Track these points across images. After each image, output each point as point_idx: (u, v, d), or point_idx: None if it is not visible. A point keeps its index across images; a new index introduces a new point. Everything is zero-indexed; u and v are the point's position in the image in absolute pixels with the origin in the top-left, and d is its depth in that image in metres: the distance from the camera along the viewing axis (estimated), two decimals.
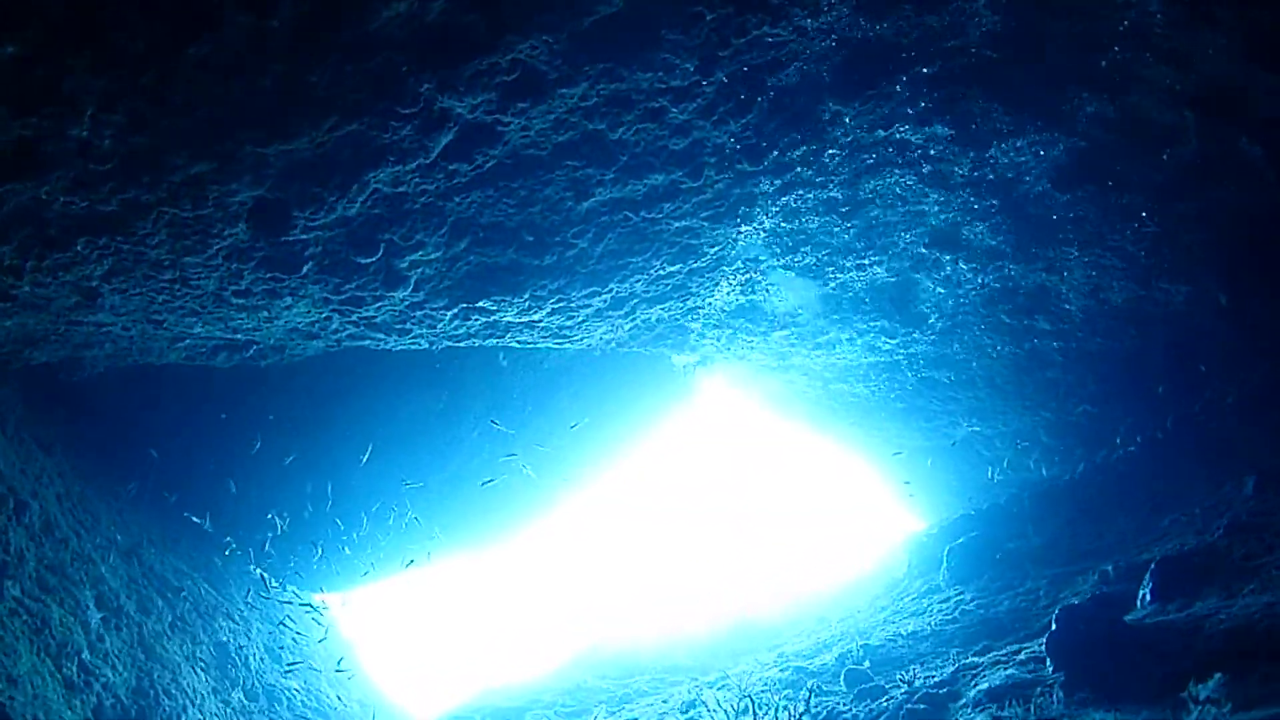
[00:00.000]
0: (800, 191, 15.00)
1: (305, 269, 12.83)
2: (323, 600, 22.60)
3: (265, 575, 21.40)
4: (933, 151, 15.15)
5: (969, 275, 17.75)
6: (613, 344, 18.57)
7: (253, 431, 19.75)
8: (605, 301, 15.89)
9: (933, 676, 12.82)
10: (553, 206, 13.20)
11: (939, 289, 18.06)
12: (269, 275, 12.88)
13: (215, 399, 19.36)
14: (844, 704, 12.73)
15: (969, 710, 11.05)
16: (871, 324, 18.73)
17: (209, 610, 19.58)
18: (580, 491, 24.99)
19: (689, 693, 16.52)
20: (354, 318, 14.63)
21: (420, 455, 21.08)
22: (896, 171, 15.36)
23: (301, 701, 20.26)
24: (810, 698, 13.25)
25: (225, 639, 19.36)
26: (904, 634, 15.69)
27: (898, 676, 13.34)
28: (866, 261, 17.13)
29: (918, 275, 17.76)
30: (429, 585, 34.34)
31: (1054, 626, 11.41)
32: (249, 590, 20.95)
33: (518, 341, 16.95)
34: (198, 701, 17.77)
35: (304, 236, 12.22)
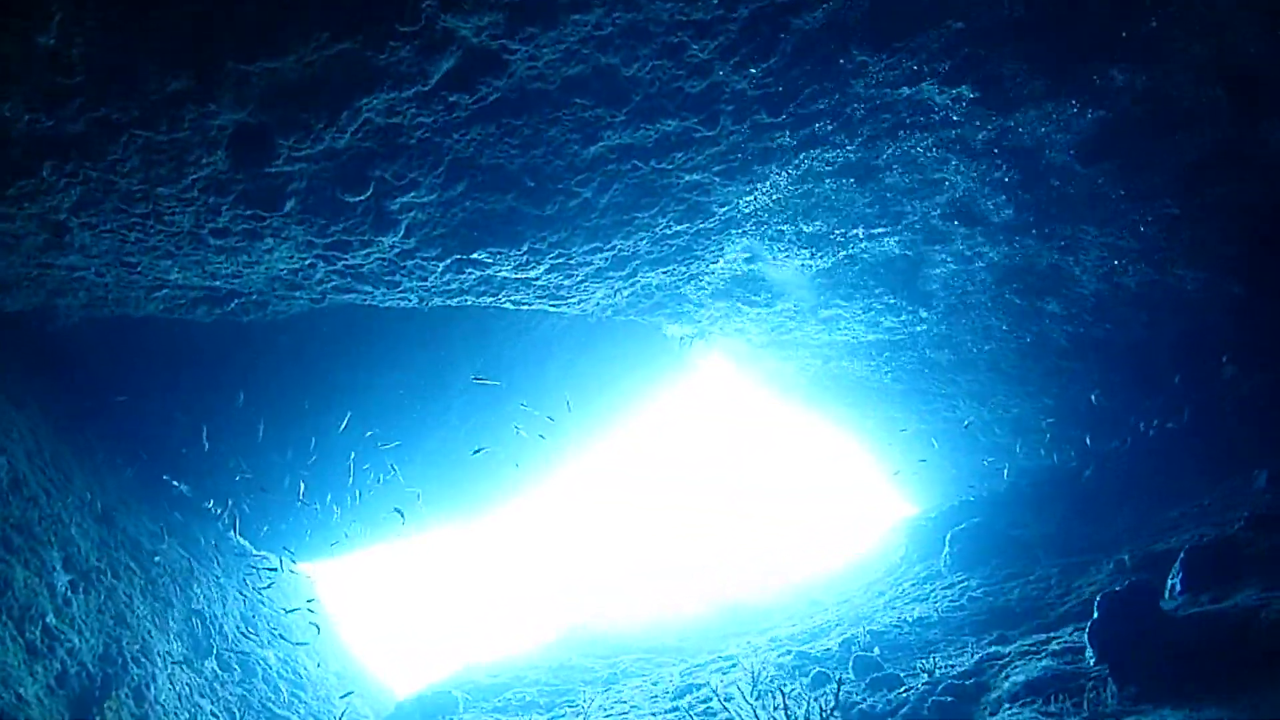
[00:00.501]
0: (817, 150, 13.61)
1: (288, 206, 11.38)
2: (303, 569, 21.11)
3: (244, 542, 19.95)
4: (956, 114, 13.80)
5: (983, 251, 16.42)
6: (609, 311, 17.16)
7: (235, 393, 18.27)
8: (606, 260, 14.45)
9: (953, 666, 11.52)
10: (557, 150, 11.76)
11: (950, 264, 16.72)
12: (249, 213, 11.44)
13: (196, 358, 17.84)
14: (857, 693, 11.37)
15: (1008, 705, 9.73)
16: (877, 300, 17.38)
17: (184, 576, 18.10)
18: (569, 465, 23.54)
19: (681, 676, 15.15)
20: (339, 266, 13.18)
21: (406, 422, 19.61)
22: (917, 134, 14.01)
23: (278, 672, 18.82)
24: (817, 685, 11.92)
25: (200, 606, 17.89)
26: (910, 620, 14.42)
27: (916, 665, 12.04)
28: (878, 231, 15.77)
29: (929, 249, 16.42)
30: (412, 557, 32.82)
31: (1096, 615, 10.10)
32: (226, 557, 19.47)
33: (512, 301, 15.50)
34: (168, 670, 16.31)
35: (287, 169, 10.79)
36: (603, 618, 20.72)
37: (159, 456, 18.47)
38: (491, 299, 15.18)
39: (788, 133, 13.05)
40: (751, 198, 14.15)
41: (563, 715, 15.31)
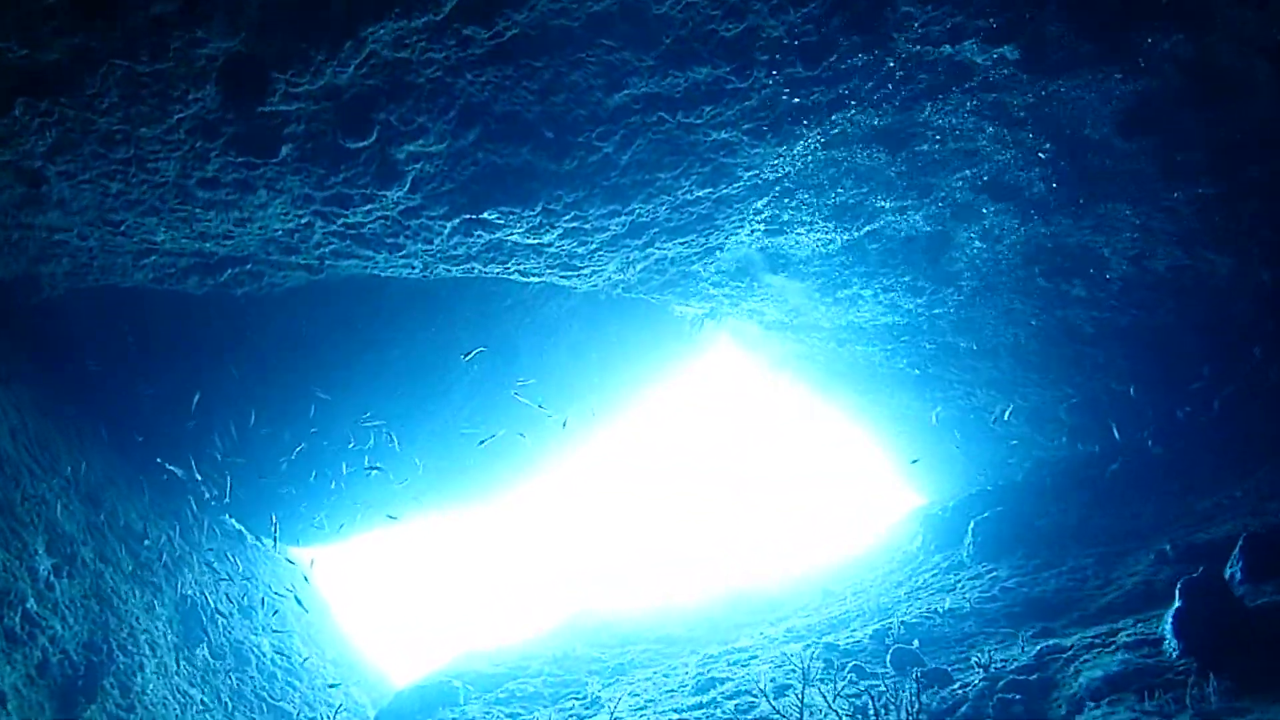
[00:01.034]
0: (851, 111, 12.26)
1: (284, 152, 9.96)
2: (299, 554, 19.64)
3: (238, 525, 18.49)
4: (996, 77, 12.49)
5: (1011, 228, 15.08)
6: (620, 288, 15.75)
7: (229, 372, 16.81)
8: (623, 225, 13.00)
9: (1010, 661, 10.12)
10: (579, 97, 10.33)
11: (977, 243, 15.37)
12: (240, 160, 10.01)
13: (189, 335, 16.37)
14: (903, 690, 9.97)
15: (1091, 704, 8.38)
16: (899, 279, 16.00)
17: (175, 561, 16.64)
18: (573, 450, 22.09)
19: (698, 668, 13.74)
20: (339, 225, 11.75)
21: (406, 404, 18.13)
22: (955, 98, 12.70)
23: (272, 660, 17.37)
24: (849, 680, 10.54)
25: (191, 592, 16.43)
26: (940, 611, 13.04)
27: (958, 659, 10.66)
28: (906, 204, 14.42)
29: (957, 226, 15.07)
30: (411, 543, 31.30)
31: (1180, 603, 8.77)
32: (220, 541, 18.01)
33: (520, 271, 14.05)
34: (157, 658, 14.87)
35: (284, 108, 9.36)
36: (607, 605, 19.32)
37: (150, 437, 16.99)
38: (500, 268, 13.73)
39: (823, 89, 11.70)
40: (779, 161, 12.77)
41: (570, 707, 13.91)
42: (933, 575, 15.53)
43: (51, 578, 13.73)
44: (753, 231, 14.46)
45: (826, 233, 14.80)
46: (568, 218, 12.25)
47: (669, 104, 10.79)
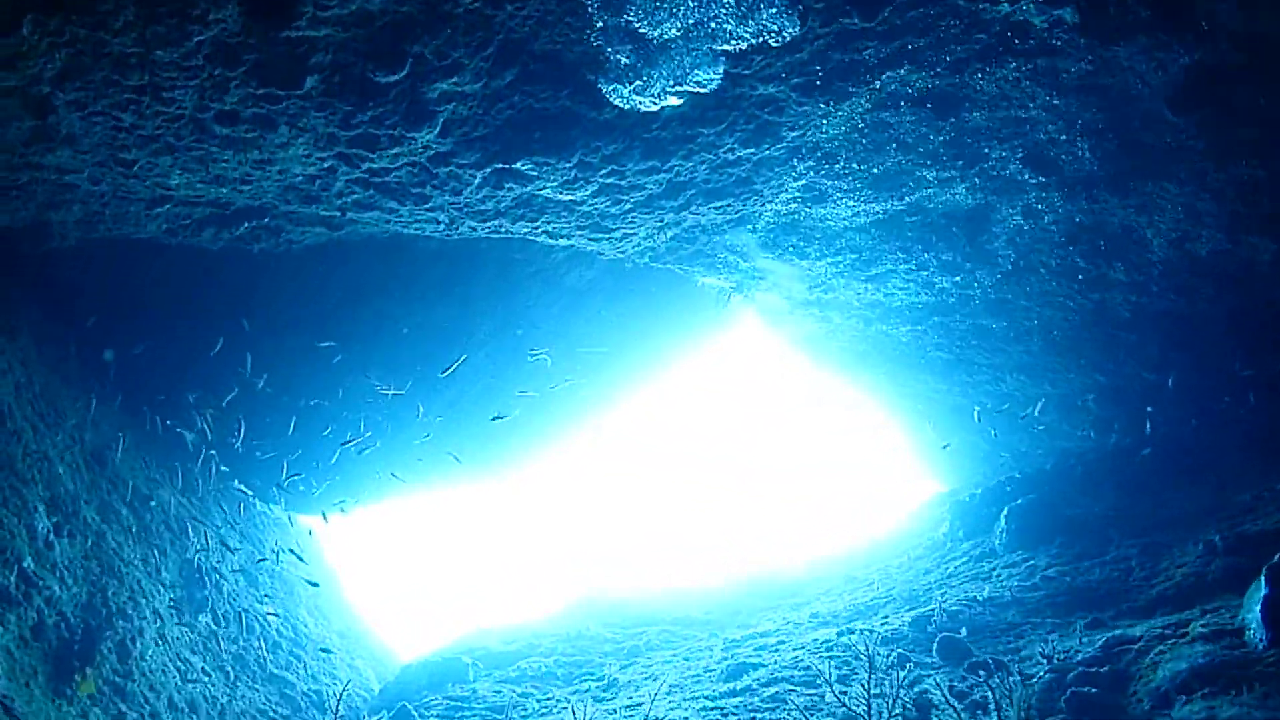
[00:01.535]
0: (903, 70, 11.33)
1: (308, 85, 8.99)
2: (307, 522, 18.71)
3: (246, 490, 17.57)
4: (1051, 40, 11.55)
5: (1054, 205, 14.14)
6: (647, 256, 14.82)
7: (243, 332, 15.88)
8: (660, 184, 12.01)
9: (1074, 652, 9.23)
10: None
11: (1017, 219, 14.44)
12: (262, 91, 9.04)
13: (204, 293, 15.45)
14: (956, 680, 9.09)
15: (1183, 697, 7.52)
16: (935, 256, 15.06)
17: (180, 525, 15.73)
18: (592, 424, 21.13)
19: (723, 652, 12.83)
20: (363, 170, 10.77)
21: (422, 371, 17.17)
22: (1009, 61, 11.75)
23: (277, 630, 16.47)
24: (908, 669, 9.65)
25: (196, 557, 15.52)
26: (979, 599, 12.16)
27: (1022, 651, 9.80)
28: (950, 175, 13.48)
29: (999, 200, 14.14)
30: (420, 517, 30.33)
31: (1266, 590, 7.90)
32: (228, 507, 17.11)
33: (548, 231, 13.09)
34: (158, 623, 13.96)
35: (311, 34, 8.41)
36: (620, 586, 18.44)
37: (159, 397, 16.07)
38: (528, 226, 12.78)
39: (876, 44, 10.76)
40: (825, 122, 11.83)
41: (586, 688, 13.04)
42: (963, 562, 14.65)
43: (51, 536, 12.83)
44: (790, 199, 13.52)
45: (865, 203, 13.86)
46: (604, 172, 11.28)
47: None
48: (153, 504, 15.23)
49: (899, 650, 10.55)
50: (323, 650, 17.00)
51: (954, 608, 11.88)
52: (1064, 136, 13.17)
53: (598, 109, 10.17)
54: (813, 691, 9.56)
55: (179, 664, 13.94)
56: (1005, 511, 14.72)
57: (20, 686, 11.10)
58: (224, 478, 16.96)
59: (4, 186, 11.93)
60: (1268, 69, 11.92)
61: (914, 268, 15.34)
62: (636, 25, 9.16)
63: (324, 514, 17.93)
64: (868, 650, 9.36)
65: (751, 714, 9.58)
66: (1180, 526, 13.29)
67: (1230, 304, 15.50)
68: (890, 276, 15.66)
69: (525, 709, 12.58)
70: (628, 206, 12.43)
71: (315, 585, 17.97)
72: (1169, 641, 8.73)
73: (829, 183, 13.20)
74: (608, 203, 12.25)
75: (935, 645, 10.42)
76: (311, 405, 16.86)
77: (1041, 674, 8.81)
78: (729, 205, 13.23)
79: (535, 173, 10.98)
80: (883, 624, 12.09)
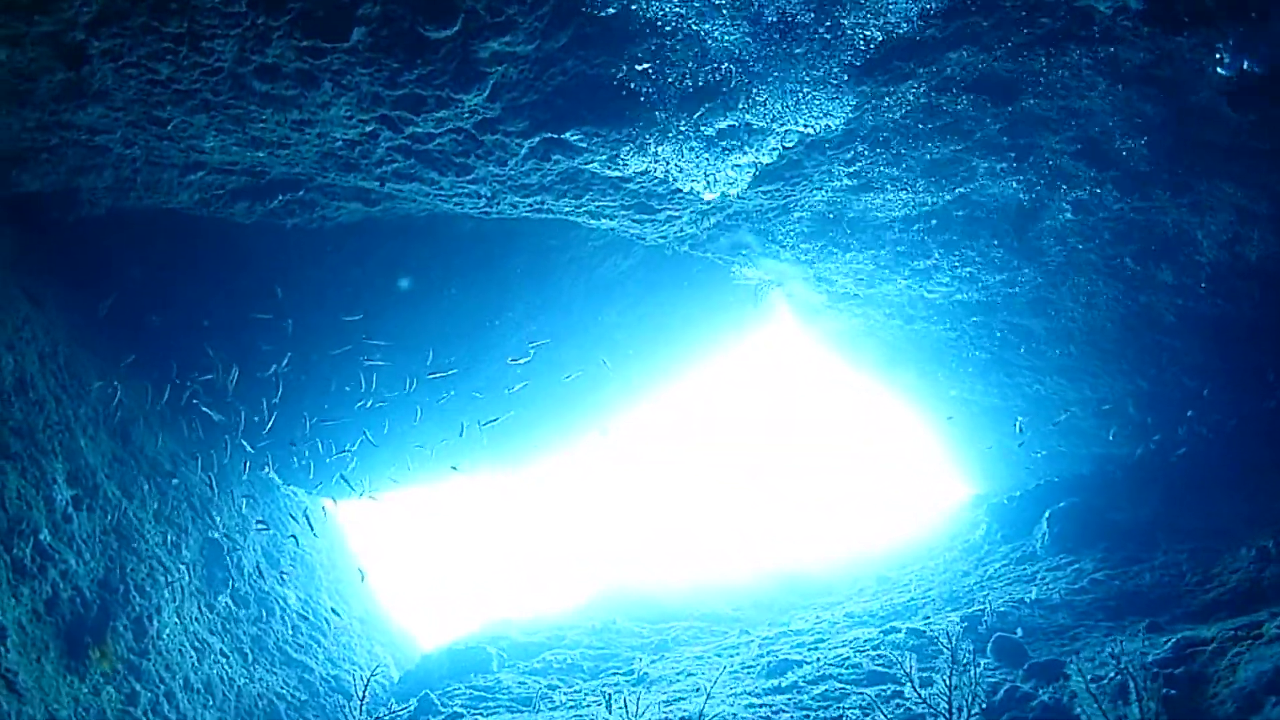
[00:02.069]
0: (965, 50, 10.55)
1: (355, 38, 8.22)
2: (330, 506, 17.92)
3: (272, 473, 16.79)
4: (1115, 28, 10.79)
5: (1107, 202, 13.33)
6: (687, 244, 14.03)
7: (274, 311, 15.12)
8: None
9: (1143, 653, 8.42)
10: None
11: (1068, 215, 13.60)
12: (306, 43, 8.28)
13: (235, 268, 14.71)
14: (1017, 682, 8.27)
15: (1272, 699, 6.74)
16: (982, 251, 14.22)
17: (203, 503, 14.95)
18: (621, 417, 20.26)
19: (759, 649, 12.00)
20: (406, 135, 9.99)
21: (453, 358, 16.36)
22: (1071, 48, 11.00)
23: (298, 613, 15.68)
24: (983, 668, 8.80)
25: (218, 536, 14.74)
26: (1027, 601, 11.32)
27: (1082, 653, 8.96)
28: (1003, 167, 12.66)
29: (1051, 195, 13.31)
30: (443, 506, 29.42)
31: None
32: (252, 487, 16.31)
33: (591, 210, 12.28)
34: (176, 602, 13.18)
35: None
36: (645, 579, 17.62)
37: (187, 373, 15.29)
38: (572, 204, 11.99)
39: (940, 23, 10.00)
40: (882, 104, 11.02)
41: (615, 682, 12.22)
42: (1003, 565, 13.83)
43: (70, 509, 12.07)
44: (840, 186, 12.71)
45: (915, 193, 13.04)
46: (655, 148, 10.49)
47: (774, 26, 9.03)
48: (175, 481, 14.46)
49: (951, 650, 9.71)
50: (343, 635, 16.21)
51: (1002, 609, 11.06)
52: (1121, 129, 12.39)
53: (653, 81, 9.37)
54: (867, 690, 8.75)
55: (196, 644, 13.17)
56: (1047, 515, 13.94)
57: (31, 662, 10.35)
58: (249, 458, 16.18)
59: (34, 149, 11.25)
60: None
61: (959, 263, 14.50)
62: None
63: (334, 498, 17.20)
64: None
65: (805, 713, 8.76)
66: (1228, 533, 12.67)
67: (1278, 310, 14.68)
68: (933, 272, 14.82)
69: (553, 701, 11.78)
70: (675, 186, 11.61)
71: (362, 575, 17.24)
72: (1244, 643, 8.00)
73: (881, 169, 12.39)
74: (655, 181, 11.44)
75: (990, 646, 9.60)
76: (341, 387, 16.08)
77: (1111, 675, 7.99)
78: (778, 190, 12.45)
79: (585, 144, 10.19)
80: (926, 623, 11.27)
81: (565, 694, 12.15)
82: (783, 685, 9.82)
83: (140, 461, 14.17)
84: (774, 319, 19.01)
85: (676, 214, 12.67)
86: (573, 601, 16.98)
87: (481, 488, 21.87)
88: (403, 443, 17.04)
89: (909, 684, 8.23)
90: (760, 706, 9.14)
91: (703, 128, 10.12)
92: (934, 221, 13.76)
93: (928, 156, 12.24)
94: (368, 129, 9.80)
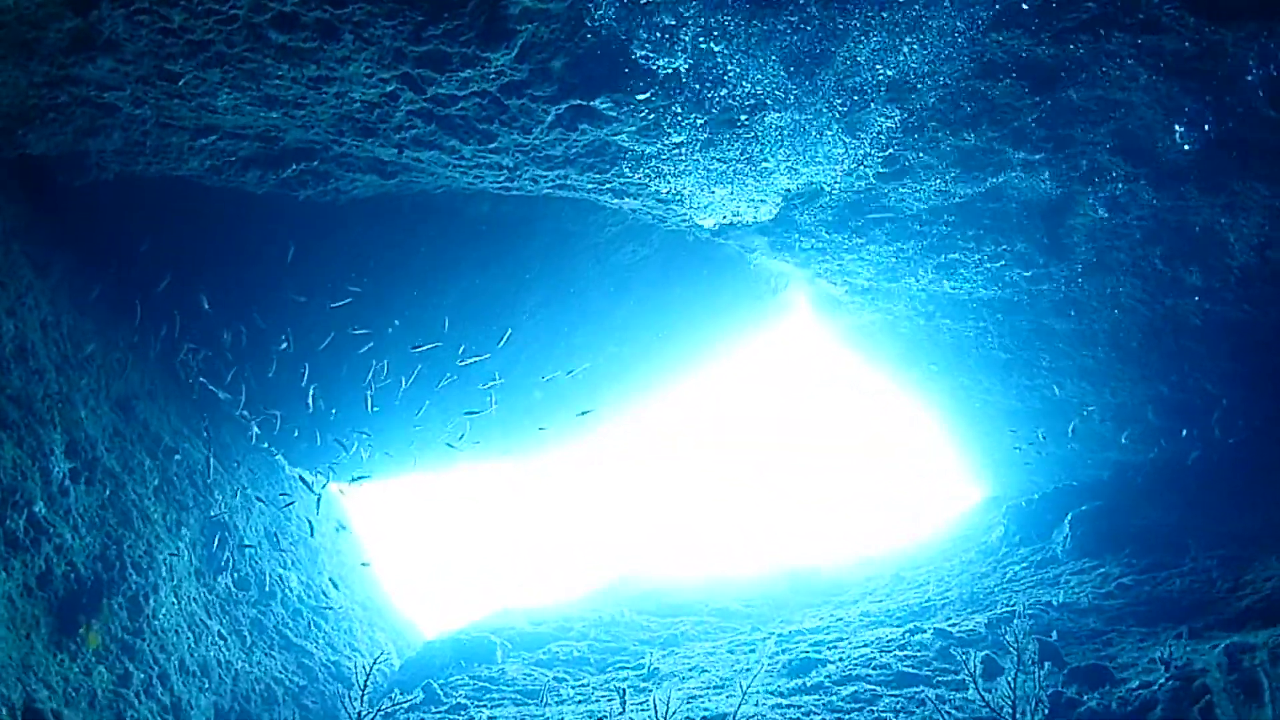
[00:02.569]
0: (1007, 33, 9.88)
1: None
2: (335, 489, 17.18)
3: (277, 454, 16.09)
4: (1161, 17, 10.12)
5: (1141, 199, 12.64)
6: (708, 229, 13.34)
7: (284, 287, 14.44)
8: None
9: (1185, 659, 7.73)
10: None
11: (1100, 212, 12.90)
12: None
13: (244, 242, 14.00)
14: (1059, 686, 7.59)
15: None
16: (1010, 247, 13.53)
17: (207, 482, 14.24)
18: (635, 408, 19.51)
19: (776, 646, 11.28)
20: (429, 96, 9.28)
21: (465, 343, 15.63)
22: (1115, 35, 10.30)
23: (299, 596, 14.97)
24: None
25: (220, 515, 14.04)
26: (1054, 605, 10.64)
27: (1119, 658, 8.30)
28: (1038, 159, 11.97)
29: (1084, 190, 12.63)
30: (451, 493, 28.65)
31: None
32: (256, 468, 15.58)
33: (615, 188, 11.57)
34: (174, 581, 12.47)
35: None
36: (653, 572, 16.91)
37: (194, 349, 14.60)
38: (596, 180, 11.29)
39: (986, 7, 9.33)
40: (920, 84, 10.34)
41: (624, 676, 11.51)
42: (1023, 568, 13.16)
43: (67, 482, 11.37)
44: (870, 172, 12.01)
45: (946, 183, 12.34)
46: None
47: None
48: (178, 458, 13.76)
49: (984, 652, 9.00)
50: (326, 609, 15.46)
51: (1034, 611, 10.36)
52: (1159, 124, 11.70)
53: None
54: (899, 692, 8.07)
55: (194, 625, 12.47)
56: (1070, 518, 13.30)
57: (19, 638, 9.66)
58: (254, 439, 15.48)
59: (41, 108, 10.55)
60: None
61: (986, 258, 13.80)
62: None
63: (339, 481, 16.51)
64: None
65: (837, 715, 8.06)
66: (1257, 540, 12.01)
67: None
68: (959, 267, 14.12)
69: (560, 694, 11.07)
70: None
71: (366, 565, 16.53)
72: None
73: (913, 155, 11.70)
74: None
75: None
76: (348, 369, 15.39)
77: (1162, 680, 7.32)
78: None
79: (615, 113, 9.48)
80: (950, 624, 10.57)
81: (573, 687, 11.45)
82: (809, 685, 9.12)
83: (143, 437, 13.47)
84: (792, 313, 18.28)
85: (706, 193, 11.97)
86: (580, 593, 16.28)
87: (492, 476, 21.17)
88: (411, 428, 16.33)
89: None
90: (788, 707, 8.44)
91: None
92: (962, 214, 13.07)
93: (963, 143, 11.55)
94: (388, 89, 9.11)
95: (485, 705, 11.19)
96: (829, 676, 9.22)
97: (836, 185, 12.24)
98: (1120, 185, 12.49)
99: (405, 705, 11.30)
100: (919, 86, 10.44)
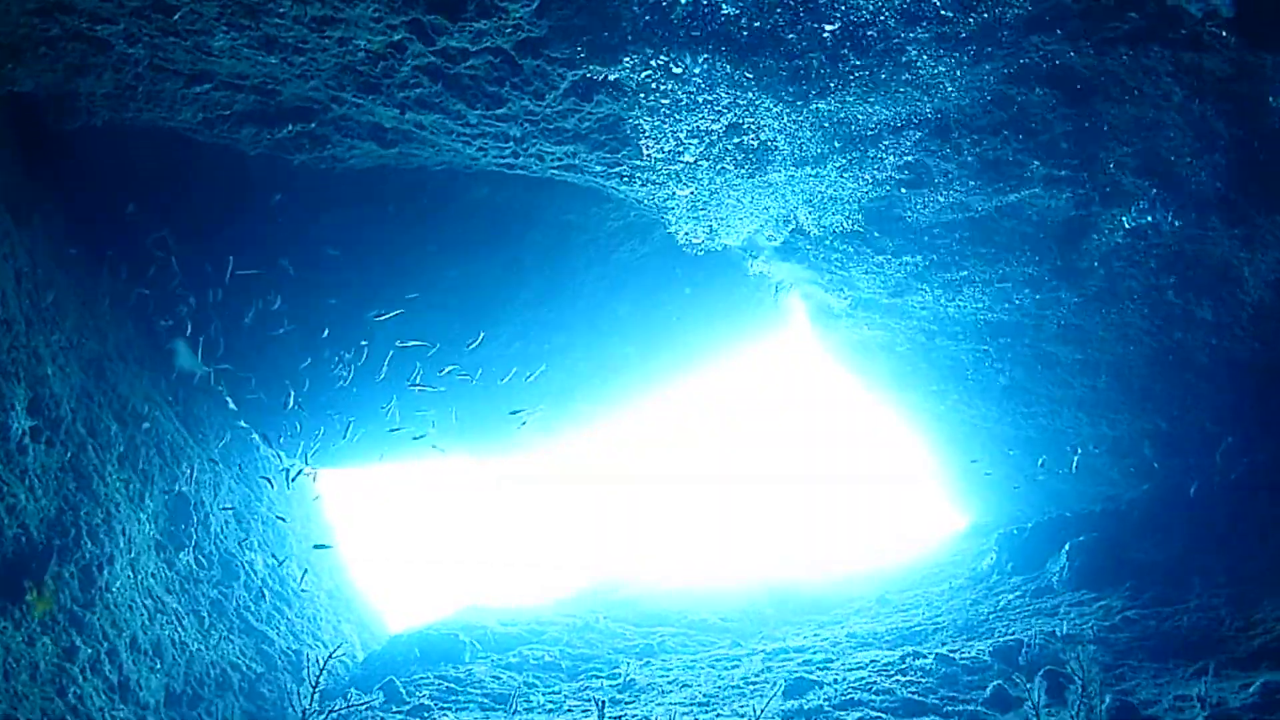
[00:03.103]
0: (1045, 39, 9.22)
1: None
2: (312, 472, 16.23)
3: (252, 431, 15.17)
4: (1202, 35, 9.54)
5: (1161, 225, 11.99)
6: None
7: (272, 258, 13.55)
8: None
9: (1219, 699, 7.01)
10: None
11: (1118, 237, 12.26)
12: None
13: (235, 205, 13.10)
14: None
15: None
16: (1021, 268, 12.84)
17: (174, 453, 13.30)
18: (622, 411, 18.68)
19: (763, 665, 10.46)
20: (438, 49, 8.48)
21: (453, 332, 14.77)
22: (1154, 50, 9.70)
23: (263, 580, 14.01)
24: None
25: (186, 490, 13.09)
26: (1057, 635, 9.85)
27: (1138, 695, 7.55)
28: (1061, 176, 11.31)
29: (1103, 213, 11.97)
30: (426, 485, 27.65)
31: None
32: (228, 444, 14.64)
33: (624, 172, 10.77)
34: (132, 553, 11.51)
35: None
36: (631, 578, 16.06)
37: (175, 317, 13.68)
38: (605, 160, 10.50)
39: (1027, 4, 8.66)
40: (953, 87, 9.65)
41: (598, 685, 10.65)
42: (1018, 596, 12.40)
43: (26, 440, 10.42)
44: (887, 177, 11.29)
45: (963, 195, 11.64)
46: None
47: None
48: (146, 425, 12.81)
49: (995, 682, 8.24)
50: (308, 608, 14.54)
51: (1037, 641, 9.60)
52: (1189, 148, 11.07)
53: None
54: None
55: (149, 601, 11.51)
56: (1067, 548, 12.54)
57: None
58: (228, 411, 14.56)
59: (32, 40, 9.72)
60: None
61: (995, 279, 13.10)
62: None
63: (314, 465, 15.59)
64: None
65: None
66: (1261, 579, 11.30)
67: None
68: (967, 285, 13.41)
69: (530, 701, 10.19)
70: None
71: (326, 547, 15.57)
72: None
73: (935, 162, 10.99)
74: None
75: (1039, 678, 8.15)
76: (332, 352, 14.50)
77: (1199, 718, 6.61)
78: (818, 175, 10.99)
79: (634, 83, 8.69)
80: (949, 650, 9.79)
81: (544, 694, 10.57)
82: (806, 707, 8.30)
83: (112, 400, 12.51)
84: (788, 325, 17.51)
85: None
86: (555, 595, 15.40)
87: (473, 472, 20.26)
88: (393, 416, 15.44)
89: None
90: None
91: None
92: (977, 230, 12.38)
93: (986, 154, 10.86)
94: (395, 37, 8.30)
95: (450, 708, 10.30)
96: (827, 700, 8.39)
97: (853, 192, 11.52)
98: (1144, 209, 11.85)
99: (363, 706, 10.37)
100: (947, 85, 9.74)
